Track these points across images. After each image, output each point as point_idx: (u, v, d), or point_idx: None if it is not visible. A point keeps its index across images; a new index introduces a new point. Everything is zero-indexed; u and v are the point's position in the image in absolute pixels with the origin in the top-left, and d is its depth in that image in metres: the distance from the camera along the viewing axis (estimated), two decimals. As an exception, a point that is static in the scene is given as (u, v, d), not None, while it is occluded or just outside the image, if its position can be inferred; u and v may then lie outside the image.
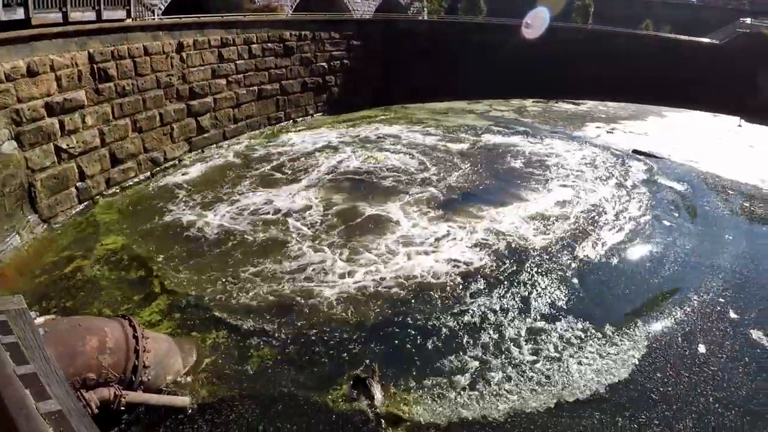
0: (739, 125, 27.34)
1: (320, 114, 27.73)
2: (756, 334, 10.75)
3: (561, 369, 9.64)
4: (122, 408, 7.85)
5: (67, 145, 15.01)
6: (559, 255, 13.87)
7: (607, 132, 25.27)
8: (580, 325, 10.89)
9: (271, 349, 10.21)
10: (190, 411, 8.67)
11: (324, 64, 27.64)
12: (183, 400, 8.76)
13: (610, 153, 22.00)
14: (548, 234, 14.96)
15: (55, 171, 14.61)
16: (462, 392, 9.12)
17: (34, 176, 13.84)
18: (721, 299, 12.15)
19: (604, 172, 19.94)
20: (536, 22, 33.73)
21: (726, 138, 24.80)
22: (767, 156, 22.03)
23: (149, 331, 9.22)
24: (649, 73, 31.80)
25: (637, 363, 9.85)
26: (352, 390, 9.10)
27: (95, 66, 16.10)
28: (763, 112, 27.87)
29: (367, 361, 9.76)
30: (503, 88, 31.56)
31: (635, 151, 22.00)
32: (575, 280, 12.69)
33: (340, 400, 8.96)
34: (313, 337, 10.48)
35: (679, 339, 10.62)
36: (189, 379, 9.33)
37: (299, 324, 10.82)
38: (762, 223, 16.27)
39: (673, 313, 11.54)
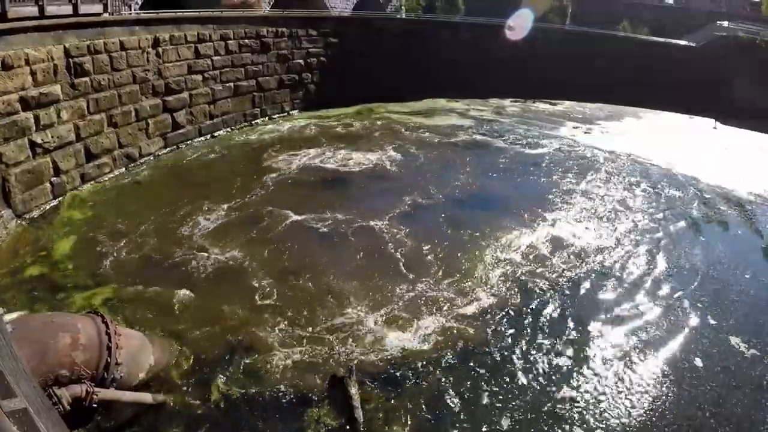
0: (714, 127, 27.85)
1: (296, 111, 27.75)
2: (734, 340, 10.94)
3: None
4: (94, 405, 7.81)
5: (42, 139, 14.94)
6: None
7: (584, 132, 25.55)
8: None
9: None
10: (162, 408, 8.71)
11: (301, 61, 27.68)
12: (155, 398, 8.80)
13: (588, 153, 22.31)
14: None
15: (29, 166, 14.55)
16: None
17: (8, 171, 13.79)
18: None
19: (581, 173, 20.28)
20: (519, 25, 33.94)
21: (701, 140, 25.19)
22: (742, 158, 22.44)
23: (122, 327, 9.22)
24: (626, 74, 32.18)
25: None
26: (330, 389, 9.16)
27: (71, 60, 16.03)
28: (738, 114, 28.40)
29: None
30: (480, 87, 31.76)
31: (609, 152, 22.32)
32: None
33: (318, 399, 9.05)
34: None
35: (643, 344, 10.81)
36: (162, 375, 9.32)
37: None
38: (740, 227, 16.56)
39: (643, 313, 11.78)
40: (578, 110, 30.59)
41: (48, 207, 15.20)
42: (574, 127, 26.46)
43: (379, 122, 26.75)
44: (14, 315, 8.66)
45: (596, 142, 23.66)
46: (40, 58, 14.83)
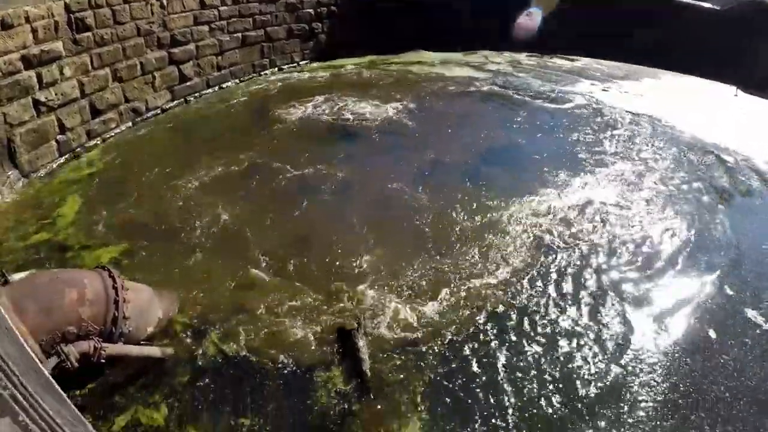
0: (735, 95, 26.98)
1: (306, 61, 27.26)
2: (751, 313, 10.73)
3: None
4: (102, 361, 7.87)
5: (46, 98, 14.83)
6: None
7: (604, 90, 24.80)
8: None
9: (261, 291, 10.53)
10: (171, 362, 8.81)
11: (311, 10, 27.07)
12: (164, 351, 8.88)
13: (608, 112, 21.67)
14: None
15: (34, 125, 14.48)
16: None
17: (12, 131, 13.75)
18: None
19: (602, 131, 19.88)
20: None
21: (722, 106, 24.40)
22: (763, 127, 21.73)
23: (129, 281, 9.19)
24: (646, 34, 30.97)
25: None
26: (338, 342, 9.28)
27: (72, 16, 15.75)
28: (760, 83, 27.43)
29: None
30: (495, 40, 30.95)
31: (629, 112, 21.83)
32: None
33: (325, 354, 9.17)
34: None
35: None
36: (170, 328, 9.45)
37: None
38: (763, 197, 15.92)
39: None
40: (596, 67, 29.59)
41: (55, 165, 15.17)
42: (592, 85, 25.55)
43: (392, 73, 26.11)
44: (22, 274, 8.76)
45: (616, 102, 22.85)
46: (40, 15, 14.59)
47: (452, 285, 10.89)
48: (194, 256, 11.50)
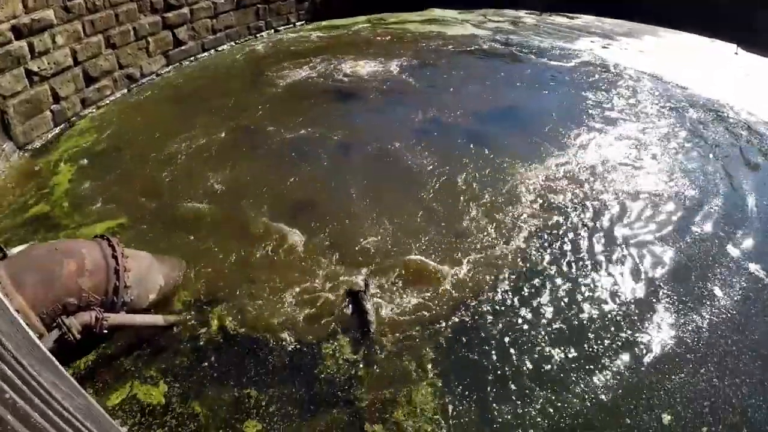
0: (736, 53, 26.48)
1: (303, 22, 26.78)
2: (754, 267, 10.70)
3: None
4: (105, 331, 7.85)
5: (38, 67, 14.59)
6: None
7: (605, 48, 24.38)
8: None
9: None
10: (175, 330, 8.81)
11: (306, -31, 26.61)
12: (167, 319, 8.85)
13: (611, 69, 21.32)
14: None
15: (27, 95, 14.26)
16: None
17: (5, 103, 13.53)
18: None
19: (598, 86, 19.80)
20: None
21: (723, 64, 23.89)
22: (763, 85, 21.40)
23: (129, 249, 9.13)
24: None
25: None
26: (348, 303, 9.37)
27: (62, -18, 15.48)
28: (761, 41, 26.92)
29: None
30: None
31: (630, 69, 21.51)
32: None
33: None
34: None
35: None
36: (172, 296, 9.43)
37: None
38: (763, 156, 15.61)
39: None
40: (597, 25, 28.97)
41: (50, 136, 15.01)
42: (593, 42, 25.07)
43: (391, 31, 25.67)
44: (20, 248, 8.67)
45: (618, 59, 22.47)
46: (29, -18, 14.37)
47: (463, 252, 10.70)
48: (192, 227, 11.35)
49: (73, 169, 13.56)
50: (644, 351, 8.72)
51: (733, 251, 11.13)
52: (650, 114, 17.29)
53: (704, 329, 9.20)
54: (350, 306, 9.29)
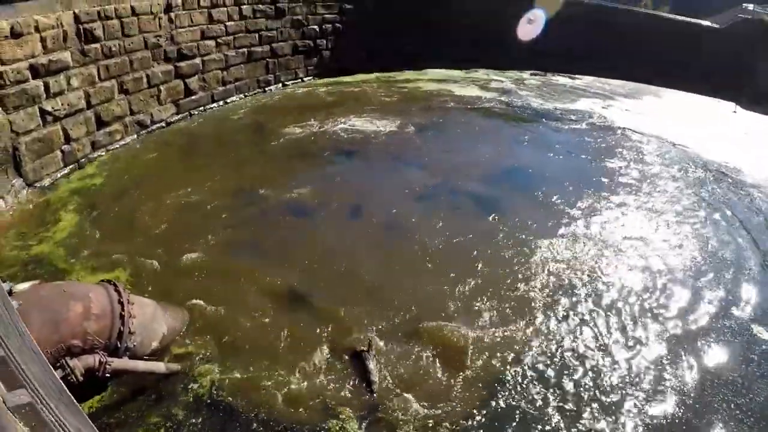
0: (734, 111, 27.14)
1: (311, 77, 27.38)
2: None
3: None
4: (108, 375, 7.77)
5: (52, 107, 14.76)
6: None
7: (608, 109, 24.92)
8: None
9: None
10: (176, 378, 8.64)
11: (316, 27, 27.19)
12: (169, 367, 8.74)
13: (616, 132, 21.71)
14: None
15: (40, 134, 14.39)
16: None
17: (18, 139, 13.64)
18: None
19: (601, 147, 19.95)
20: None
21: (723, 123, 24.51)
22: (761, 144, 21.87)
23: (135, 295, 9.12)
24: (646, 52, 31.26)
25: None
26: (352, 363, 9.21)
27: (81, 27, 15.74)
28: (760, 99, 27.66)
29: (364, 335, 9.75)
30: (500, 59, 31.09)
31: (632, 131, 21.98)
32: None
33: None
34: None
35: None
36: (176, 345, 9.29)
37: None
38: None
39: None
40: (598, 86, 29.77)
41: (59, 175, 15.07)
42: (594, 103, 25.75)
43: (395, 89, 26.24)
44: (26, 285, 8.57)
45: (621, 121, 22.99)
46: (50, 25, 14.57)
47: (470, 340, 10.03)
48: (189, 282, 11.15)
49: (77, 211, 13.55)
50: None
51: (738, 315, 11.11)
52: (654, 176, 17.41)
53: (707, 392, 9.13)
54: (354, 365, 9.17)
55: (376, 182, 16.36)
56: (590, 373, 9.33)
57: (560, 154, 19.20)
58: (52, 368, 4.29)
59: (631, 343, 10.09)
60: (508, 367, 9.34)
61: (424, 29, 30.81)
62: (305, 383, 8.73)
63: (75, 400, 4.09)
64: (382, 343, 9.68)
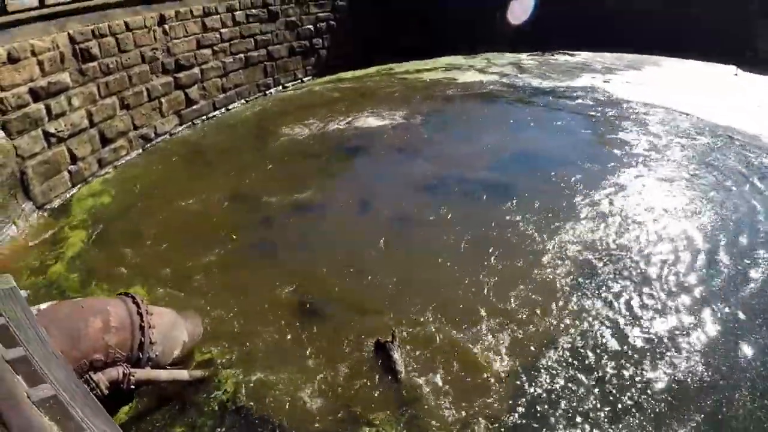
0: (735, 74, 26.84)
1: (310, 78, 27.37)
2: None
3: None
4: (132, 387, 7.79)
5: (56, 129, 14.87)
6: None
7: (611, 83, 24.65)
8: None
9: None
10: (200, 386, 8.67)
11: (310, 26, 27.15)
12: (192, 374, 8.78)
13: (622, 104, 21.49)
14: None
15: (45, 156, 14.51)
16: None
17: (24, 163, 13.76)
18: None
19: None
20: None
21: (726, 87, 24.21)
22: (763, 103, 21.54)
23: (153, 306, 9.18)
24: (641, 20, 30.86)
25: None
26: (376, 354, 9.22)
27: (77, 47, 15.83)
28: (760, 62, 27.29)
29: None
30: (495, 41, 30.95)
31: (627, 100, 21.85)
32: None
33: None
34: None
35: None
36: (197, 352, 9.36)
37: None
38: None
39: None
40: (598, 60, 29.40)
41: (68, 195, 15.21)
42: (594, 78, 25.48)
43: (395, 82, 26.15)
44: (44, 305, 8.66)
45: (624, 93, 22.73)
46: (46, 48, 14.66)
47: (496, 326, 9.83)
48: (201, 291, 11.18)
49: (88, 229, 13.65)
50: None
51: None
52: (663, 146, 17.21)
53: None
54: (378, 356, 9.17)
55: (384, 176, 16.18)
56: (628, 351, 9.15)
57: (566, 132, 19.01)
58: (75, 374, 4.32)
59: (665, 318, 9.88)
60: (543, 353, 9.11)
61: (420, 19, 30.71)
62: (330, 383, 8.67)
63: (101, 405, 4.10)
64: (406, 334, 9.63)
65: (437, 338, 9.57)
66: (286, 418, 8.11)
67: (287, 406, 8.31)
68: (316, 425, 7.99)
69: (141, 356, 8.20)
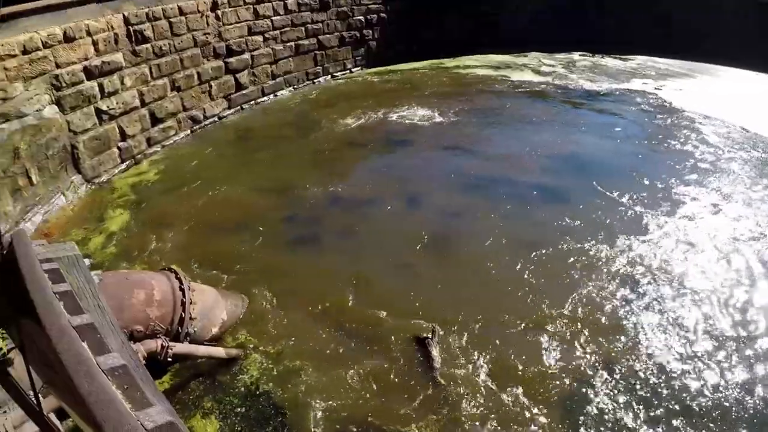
0: None
1: (359, 68, 27.44)
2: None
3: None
4: (169, 359, 7.95)
5: (108, 106, 15.32)
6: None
7: (664, 90, 23.79)
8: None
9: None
10: (237, 363, 8.82)
11: (361, 17, 27.27)
12: (228, 352, 8.92)
13: (676, 115, 20.58)
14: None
15: (96, 132, 14.98)
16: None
17: (76, 138, 14.24)
18: None
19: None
20: None
21: None
22: None
23: (195, 283, 9.38)
24: (698, 27, 29.96)
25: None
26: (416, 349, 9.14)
27: (131, 28, 16.24)
28: None
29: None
30: (548, 40, 30.51)
31: (680, 109, 21.28)
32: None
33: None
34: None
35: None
36: (238, 330, 9.48)
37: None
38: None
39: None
40: (650, 66, 28.47)
41: (116, 171, 15.61)
42: (646, 83, 24.68)
43: (446, 76, 25.99)
44: (92, 273, 9.00)
45: (678, 101, 22.00)
46: (101, 28, 15.10)
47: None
48: (249, 269, 11.28)
49: (133, 206, 13.99)
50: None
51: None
52: (718, 160, 16.30)
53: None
54: (417, 352, 9.08)
55: (430, 172, 15.72)
56: (689, 375, 8.67)
57: (618, 138, 18.42)
58: (129, 343, 4.48)
59: (722, 347, 9.21)
60: (593, 373, 8.63)
61: (472, 15, 30.51)
62: (362, 378, 8.59)
63: (148, 373, 4.24)
64: (446, 334, 9.45)
65: (479, 342, 9.31)
66: (311, 410, 8.06)
67: (316, 398, 8.24)
68: (345, 421, 7.91)
69: (180, 331, 8.43)
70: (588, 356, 8.94)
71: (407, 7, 28.90)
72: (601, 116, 20.76)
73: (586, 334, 9.40)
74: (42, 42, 13.29)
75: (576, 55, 30.24)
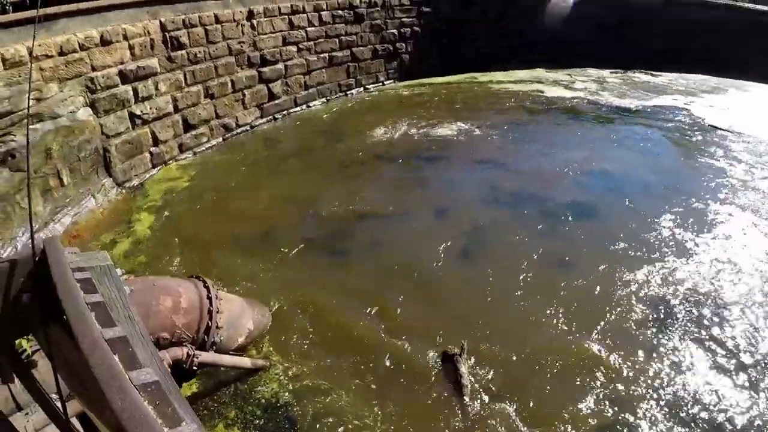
0: None
1: (392, 81, 27.36)
2: None
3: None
4: (194, 368, 7.84)
5: (141, 111, 15.38)
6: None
7: (695, 106, 23.57)
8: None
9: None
10: (256, 376, 8.70)
11: (395, 31, 27.24)
12: (254, 362, 8.82)
13: (708, 132, 20.34)
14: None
15: (129, 136, 15.02)
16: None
17: (108, 141, 14.27)
18: None
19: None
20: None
21: None
22: None
23: (222, 292, 9.27)
24: (728, 45, 29.59)
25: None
26: (443, 365, 8.95)
27: (167, 34, 16.32)
28: None
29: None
30: (578, 57, 30.36)
31: (712, 126, 20.93)
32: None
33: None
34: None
35: None
36: (263, 341, 9.37)
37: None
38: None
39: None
40: (681, 82, 28.26)
41: (147, 176, 15.64)
42: (677, 99, 24.52)
43: (477, 91, 25.84)
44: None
45: (710, 117, 21.77)
46: (137, 33, 15.19)
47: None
48: (275, 281, 11.17)
49: (163, 211, 13.94)
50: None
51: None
52: (752, 177, 16.05)
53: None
54: (444, 369, 8.88)
55: (461, 186, 15.57)
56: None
57: (650, 155, 18.22)
58: (158, 354, 4.33)
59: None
60: (624, 405, 8.26)
61: (504, 31, 30.40)
62: (385, 398, 8.37)
63: (177, 386, 4.12)
64: (474, 352, 9.21)
65: (507, 363, 9.06)
66: (338, 420, 7.96)
67: (335, 414, 8.10)
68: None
69: (206, 339, 8.28)
70: (623, 385, 8.63)
71: (440, 21, 28.82)
72: (633, 132, 20.54)
73: (619, 363, 9.06)
74: (79, 44, 13.37)
75: (606, 72, 30.01)
